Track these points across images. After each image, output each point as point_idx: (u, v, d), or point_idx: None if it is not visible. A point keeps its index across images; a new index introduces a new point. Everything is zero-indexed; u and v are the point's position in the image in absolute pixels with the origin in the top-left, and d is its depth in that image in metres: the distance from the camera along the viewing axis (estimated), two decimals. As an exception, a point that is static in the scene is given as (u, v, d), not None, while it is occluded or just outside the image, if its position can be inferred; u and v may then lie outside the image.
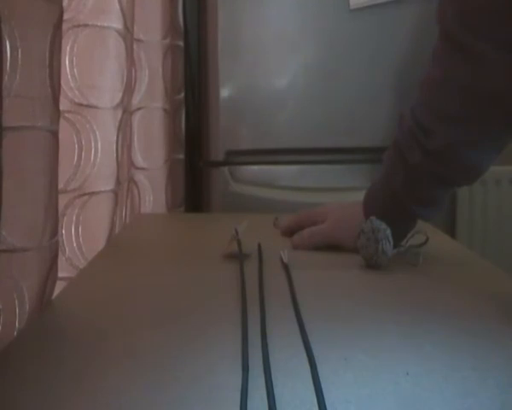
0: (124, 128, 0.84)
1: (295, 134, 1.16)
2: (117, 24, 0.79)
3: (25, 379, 0.37)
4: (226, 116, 1.15)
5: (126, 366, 0.39)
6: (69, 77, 0.73)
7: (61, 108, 0.55)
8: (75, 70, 0.74)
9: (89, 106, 0.75)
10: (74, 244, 0.74)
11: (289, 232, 0.78)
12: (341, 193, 1.12)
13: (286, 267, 0.62)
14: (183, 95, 1.19)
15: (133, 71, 0.94)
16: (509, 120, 0.59)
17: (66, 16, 0.66)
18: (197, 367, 0.38)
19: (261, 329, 0.44)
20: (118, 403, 0.34)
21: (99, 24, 0.76)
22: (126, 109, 0.84)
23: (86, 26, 0.74)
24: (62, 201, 0.71)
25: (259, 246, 0.70)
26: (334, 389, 0.35)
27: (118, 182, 0.81)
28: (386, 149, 0.68)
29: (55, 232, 0.53)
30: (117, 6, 0.78)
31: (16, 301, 0.48)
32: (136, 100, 0.99)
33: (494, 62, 0.57)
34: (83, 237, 0.74)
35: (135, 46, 0.94)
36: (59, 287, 0.56)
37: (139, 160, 1.03)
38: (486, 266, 0.66)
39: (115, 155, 0.80)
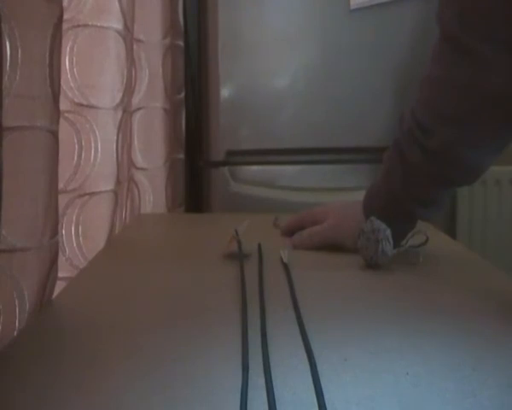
0: (124, 128, 0.84)
1: (295, 134, 1.16)
2: (117, 24, 0.79)
3: (25, 379, 0.37)
4: (226, 116, 1.15)
5: (126, 366, 0.39)
6: (69, 77, 0.73)
7: (61, 108, 0.55)
8: (75, 70, 0.74)
9: (89, 106, 0.75)
10: (74, 244, 0.74)
11: (289, 232, 0.78)
12: (341, 193, 1.12)
13: (286, 267, 0.62)
14: (183, 95, 1.19)
15: (133, 71, 0.94)
16: (509, 120, 0.59)
17: (66, 16, 0.66)
18: (197, 367, 0.38)
19: (261, 329, 0.44)
20: (117, 403, 0.34)
21: (99, 24, 0.76)
22: (126, 109, 0.84)
23: (86, 26, 0.74)
24: (62, 201, 0.71)
25: (259, 246, 0.70)
26: (334, 389, 0.35)
27: (118, 182, 0.81)
28: (386, 149, 0.68)
29: (55, 232, 0.53)
30: (117, 6, 0.78)
31: (16, 301, 0.48)
32: (136, 100, 0.99)
33: (494, 62, 0.57)
34: (83, 237, 0.74)
35: (135, 46, 0.94)
36: (59, 287, 0.56)
37: (139, 160, 1.03)
38: (486, 266, 0.66)
39: (115, 154, 0.80)
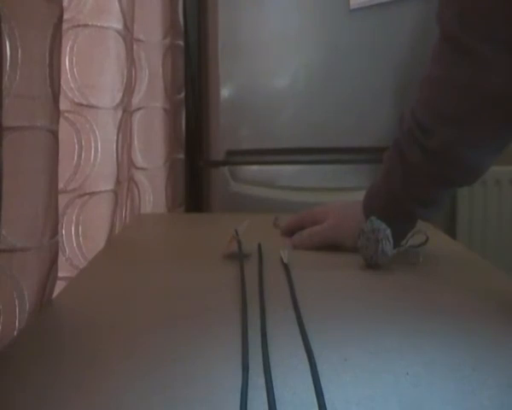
0: (124, 128, 0.84)
1: (295, 134, 1.16)
2: (117, 24, 0.79)
3: (25, 379, 0.37)
4: (226, 116, 1.15)
5: (126, 366, 0.39)
6: (69, 77, 0.73)
7: (61, 108, 0.55)
8: (75, 70, 0.74)
9: (89, 106, 0.75)
10: (74, 244, 0.74)
11: (289, 232, 0.78)
12: (341, 193, 1.12)
13: (286, 267, 0.62)
14: (183, 95, 1.19)
15: (133, 71, 0.94)
16: (509, 120, 0.59)
17: (66, 16, 0.66)
18: (197, 367, 0.38)
19: (261, 329, 0.44)
20: (117, 403, 0.34)
21: (99, 24, 0.76)
22: (126, 109, 0.84)
23: (86, 26, 0.74)
24: (62, 201, 0.71)
25: (259, 246, 0.70)
26: (334, 389, 0.35)
27: (118, 182, 0.81)
28: (386, 149, 0.68)
29: (55, 232, 0.53)
30: (117, 6, 0.78)
31: (16, 301, 0.48)
32: (136, 100, 0.99)
33: (494, 62, 0.57)
34: (83, 237, 0.74)
35: (135, 46, 0.94)
36: (59, 287, 0.56)
37: (139, 160, 1.03)
38: (486, 266, 0.66)
39: (115, 154, 0.80)
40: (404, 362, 0.39)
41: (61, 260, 0.67)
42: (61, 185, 0.67)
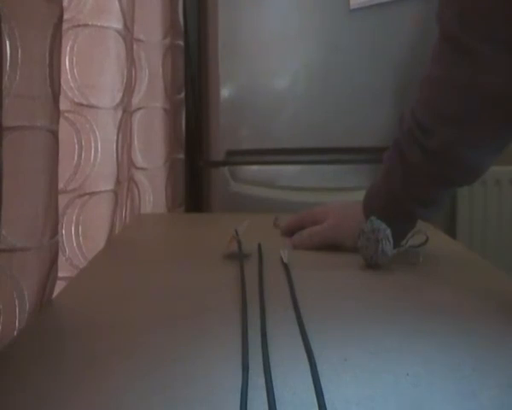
0: (124, 128, 0.84)
1: (295, 134, 1.16)
2: (117, 24, 0.79)
3: (25, 379, 0.37)
4: (226, 116, 1.15)
5: (126, 366, 0.39)
6: (69, 77, 0.73)
7: (61, 108, 0.55)
8: (75, 70, 0.74)
9: (89, 106, 0.75)
10: (74, 244, 0.74)
11: (289, 232, 0.78)
12: (341, 193, 1.12)
13: (286, 267, 0.62)
14: (183, 95, 1.19)
15: (133, 71, 0.94)
16: (509, 120, 0.59)
17: (66, 16, 0.66)
18: (197, 367, 0.38)
19: (261, 329, 0.44)
20: (117, 403, 0.34)
21: (99, 24, 0.76)
22: (126, 109, 0.84)
23: (86, 26, 0.74)
24: (62, 201, 0.71)
25: (259, 246, 0.70)
26: (334, 389, 0.35)
27: (118, 182, 0.81)
28: (386, 149, 0.68)
29: (55, 232, 0.53)
30: (117, 6, 0.78)
31: (16, 301, 0.48)
32: (136, 100, 0.99)
33: (494, 62, 0.57)
34: (83, 236, 0.74)
35: (135, 46, 0.94)
36: (59, 287, 0.56)
37: (139, 160, 1.03)
38: (486, 266, 0.66)
39: (115, 154, 0.80)
40: (404, 362, 0.39)
41: (61, 260, 0.67)
42: (61, 185, 0.67)
